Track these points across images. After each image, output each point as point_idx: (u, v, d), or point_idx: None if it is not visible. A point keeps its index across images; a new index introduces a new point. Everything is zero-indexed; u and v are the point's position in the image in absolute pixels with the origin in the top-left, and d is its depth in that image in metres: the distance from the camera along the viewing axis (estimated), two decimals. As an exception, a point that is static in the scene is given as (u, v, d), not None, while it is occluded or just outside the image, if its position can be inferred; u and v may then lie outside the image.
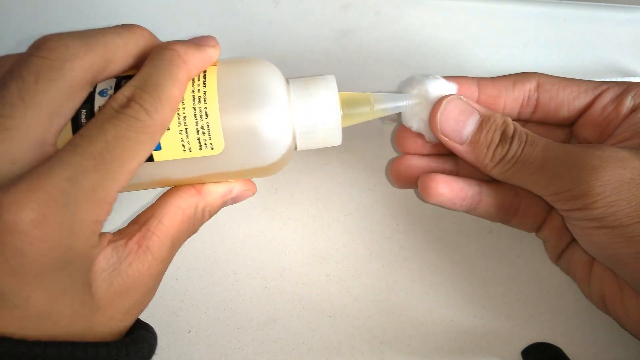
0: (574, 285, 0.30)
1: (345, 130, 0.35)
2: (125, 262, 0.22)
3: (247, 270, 0.31)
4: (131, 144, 0.20)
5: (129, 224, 0.23)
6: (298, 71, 0.38)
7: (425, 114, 0.28)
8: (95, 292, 0.21)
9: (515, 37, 0.39)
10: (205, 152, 0.23)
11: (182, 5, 0.41)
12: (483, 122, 0.27)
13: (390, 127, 0.35)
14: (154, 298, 0.31)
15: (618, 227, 0.24)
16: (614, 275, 0.27)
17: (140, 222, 0.23)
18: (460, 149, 0.27)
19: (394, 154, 0.34)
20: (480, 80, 0.28)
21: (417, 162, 0.30)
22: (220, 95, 0.23)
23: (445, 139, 0.27)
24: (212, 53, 0.23)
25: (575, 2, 0.39)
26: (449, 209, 0.29)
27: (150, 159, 0.23)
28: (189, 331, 0.30)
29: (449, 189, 0.28)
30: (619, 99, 0.27)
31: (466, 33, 0.39)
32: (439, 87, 0.28)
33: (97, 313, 0.21)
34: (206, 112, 0.22)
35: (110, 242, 0.22)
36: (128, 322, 0.23)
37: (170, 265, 0.31)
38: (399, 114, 0.33)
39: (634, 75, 0.37)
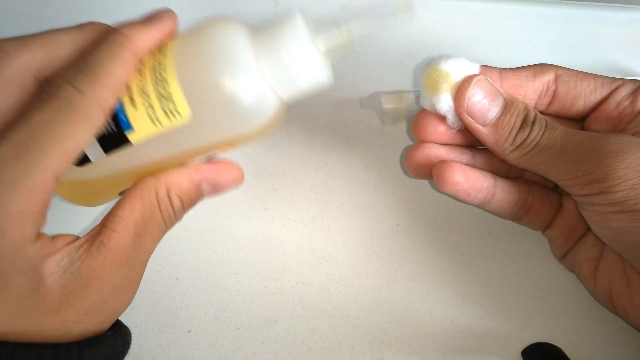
0: (574, 285, 0.30)
1: (346, 130, 0.35)
2: (77, 261, 0.21)
3: (247, 270, 0.31)
4: (59, 126, 0.19)
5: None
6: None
7: (450, 95, 0.27)
8: (46, 294, 0.20)
9: (515, 37, 0.39)
10: (174, 121, 0.22)
11: (182, 5, 0.41)
12: (507, 106, 0.27)
13: (390, 127, 0.35)
14: (153, 298, 0.31)
15: None
16: (622, 271, 0.27)
17: (102, 222, 0.22)
18: (482, 130, 0.27)
19: (394, 154, 0.34)
20: (501, 70, 0.28)
21: (435, 152, 0.29)
22: (179, 61, 0.22)
23: (469, 120, 0.27)
24: (164, 26, 0.23)
25: (575, 2, 0.39)
26: (462, 200, 0.29)
27: (128, 143, 0.22)
28: (189, 331, 0.30)
29: (465, 178, 0.28)
30: (634, 94, 0.27)
31: (466, 33, 0.39)
32: (462, 67, 0.27)
33: (48, 315, 0.20)
34: (165, 80, 0.22)
35: (66, 244, 0.21)
36: (90, 324, 0.21)
37: (170, 265, 0.31)
38: (405, 105, 0.33)
39: (634, 75, 0.37)
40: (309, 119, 0.36)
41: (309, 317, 0.30)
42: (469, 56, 0.37)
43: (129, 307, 0.30)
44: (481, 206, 0.29)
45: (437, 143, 0.29)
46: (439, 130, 0.29)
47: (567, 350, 0.28)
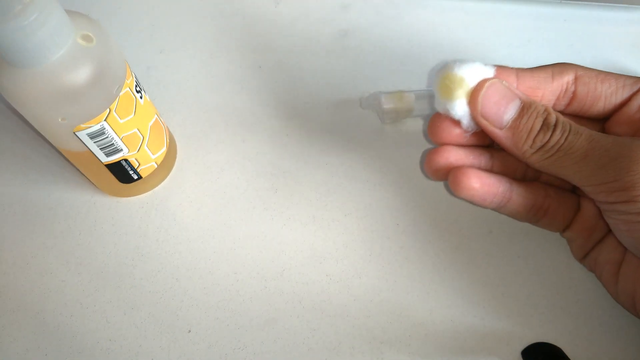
0: (575, 285, 0.30)
1: (346, 130, 0.35)
2: None
3: (247, 270, 0.31)
4: None
5: None
6: (298, 71, 0.38)
7: (464, 99, 0.27)
8: None
9: (515, 37, 0.39)
10: None
11: (182, 5, 0.41)
12: (524, 109, 0.26)
13: (390, 127, 0.35)
14: (153, 298, 0.31)
15: None
16: None
17: None
18: (499, 133, 0.27)
19: (394, 154, 0.34)
20: (519, 71, 0.28)
21: (454, 155, 0.29)
22: None
23: (484, 123, 0.27)
24: None
25: (575, 2, 0.39)
26: (478, 205, 0.29)
27: None
28: (189, 331, 0.30)
29: (481, 183, 0.28)
30: None
31: (466, 33, 0.39)
32: (476, 71, 0.27)
33: None
34: None
35: None
36: None
37: (170, 265, 0.31)
38: (405, 105, 0.33)
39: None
40: (309, 119, 0.36)
41: (309, 317, 0.30)
42: (469, 56, 0.37)
43: (129, 306, 0.30)
44: (497, 210, 0.29)
45: (454, 145, 0.29)
46: (455, 133, 0.29)
47: (567, 350, 0.28)
